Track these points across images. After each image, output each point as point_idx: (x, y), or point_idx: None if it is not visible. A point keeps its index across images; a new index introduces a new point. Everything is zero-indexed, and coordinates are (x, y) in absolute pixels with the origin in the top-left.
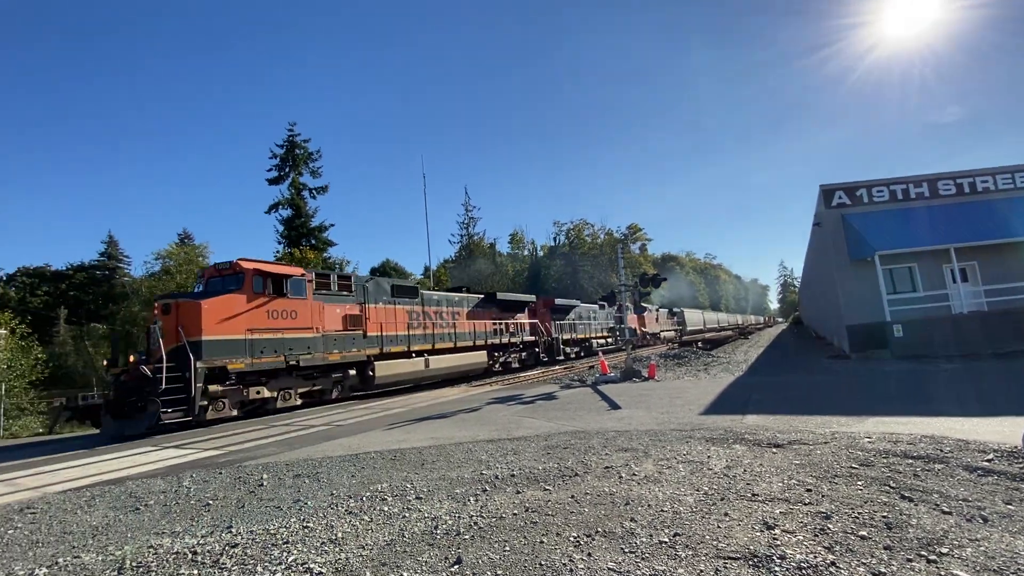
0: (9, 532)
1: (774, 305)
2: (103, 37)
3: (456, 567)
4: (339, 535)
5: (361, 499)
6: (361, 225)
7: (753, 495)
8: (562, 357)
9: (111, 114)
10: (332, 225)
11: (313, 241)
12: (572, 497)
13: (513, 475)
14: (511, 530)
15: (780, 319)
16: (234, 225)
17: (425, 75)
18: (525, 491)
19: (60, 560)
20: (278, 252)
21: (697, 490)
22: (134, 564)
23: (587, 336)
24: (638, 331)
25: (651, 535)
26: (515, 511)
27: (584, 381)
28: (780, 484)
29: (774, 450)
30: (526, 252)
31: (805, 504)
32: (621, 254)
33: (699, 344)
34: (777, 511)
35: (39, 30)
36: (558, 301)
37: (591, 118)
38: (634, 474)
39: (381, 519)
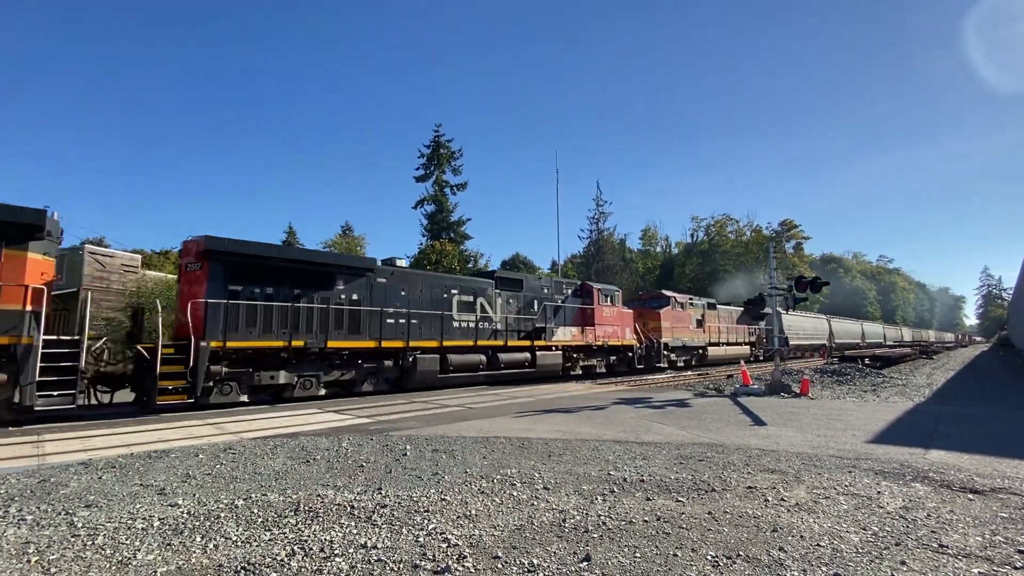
0: (217, 467)
1: (971, 321)
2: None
3: (585, 564)
4: (472, 512)
5: (492, 481)
6: (495, 220)
7: (940, 546)
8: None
9: (289, 119)
10: (469, 220)
11: (452, 235)
12: (709, 513)
13: (642, 480)
14: (641, 536)
15: (979, 338)
16: (385, 219)
17: (570, 67)
18: (656, 498)
19: (252, 496)
20: (421, 244)
21: (864, 529)
22: (305, 508)
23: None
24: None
25: (804, 570)
26: (645, 518)
27: (721, 391)
28: (979, 539)
29: (970, 496)
30: (658, 249)
31: (1017, 569)
32: (773, 252)
33: (865, 361)
34: (975, 570)
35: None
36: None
37: (740, 111)
38: (783, 499)
39: (511, 503)
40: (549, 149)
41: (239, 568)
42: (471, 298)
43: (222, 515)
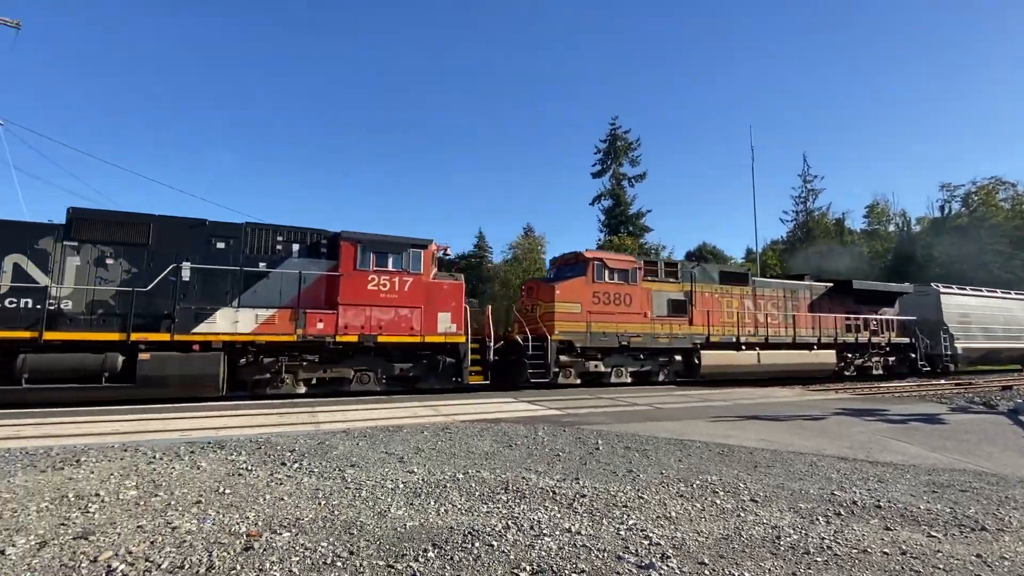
0: (439, 443)
1: None
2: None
3: None
4: (672, 513)
5: (691, 485)
6: (678, 209)
7: None
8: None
9: (470, 124)
10: (649, 211)
11: (631, 228)
12: (978, 556)
13: (879, 506)
14: (881, 570)
15: None
16: (564, 217)
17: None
18: (899, 529)
19: (469, 471)
20: (599, 240)
21: None
22: (513, 488)
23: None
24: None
25: None
26: (885, 549)
27: (993, 406)
28: None
29: None
30: (891, 228)
31: None
32: None
33: None
34: None
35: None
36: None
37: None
38: None
39: (713, 511)
40: (740, 126)
41: (467, 532)
42: None
43: (447, 485)
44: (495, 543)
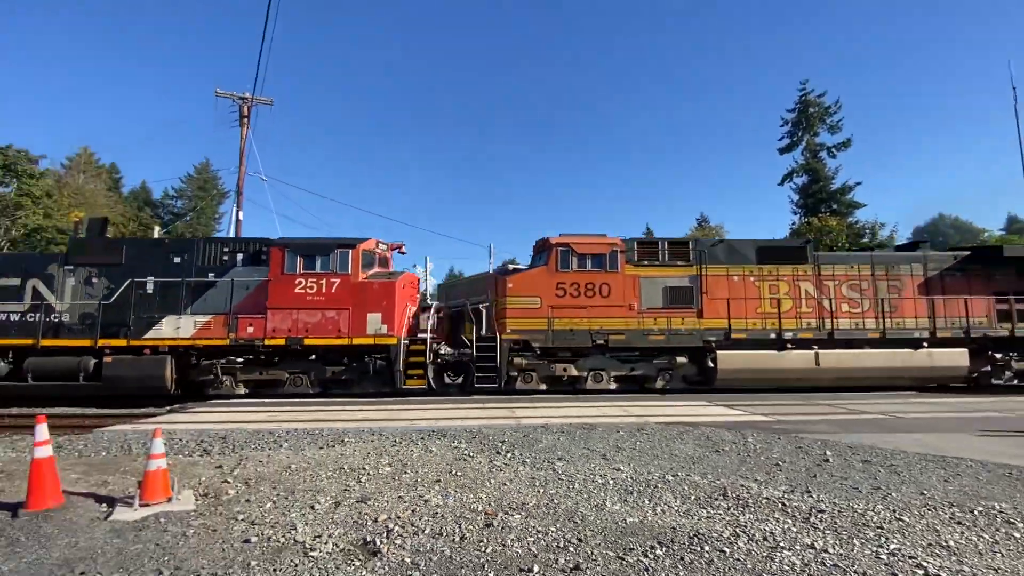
0: (637, 443)
1: None
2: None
3: None
4: (950, 543)
5: (971, 512)
6: (897, 176)
7: None
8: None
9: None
10: (858, 184)
11: (835, 206)
12: None
13: None
14: None
15: None
16: (744, 203)
17: None
18: None
19: (678, 474)
20: (793, 223)
21: None
22: (733, 495)
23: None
24: None
25: None
26: None
27: None
28: None
29: None
30: None
31: None
32: None
33: None
34: None
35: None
36: None
37: None
38: None
39: (1010, 544)
40: (992, 63)
41: (691, 535)
42: (16, 281)
43: (658, 485)
44: (726, 550)
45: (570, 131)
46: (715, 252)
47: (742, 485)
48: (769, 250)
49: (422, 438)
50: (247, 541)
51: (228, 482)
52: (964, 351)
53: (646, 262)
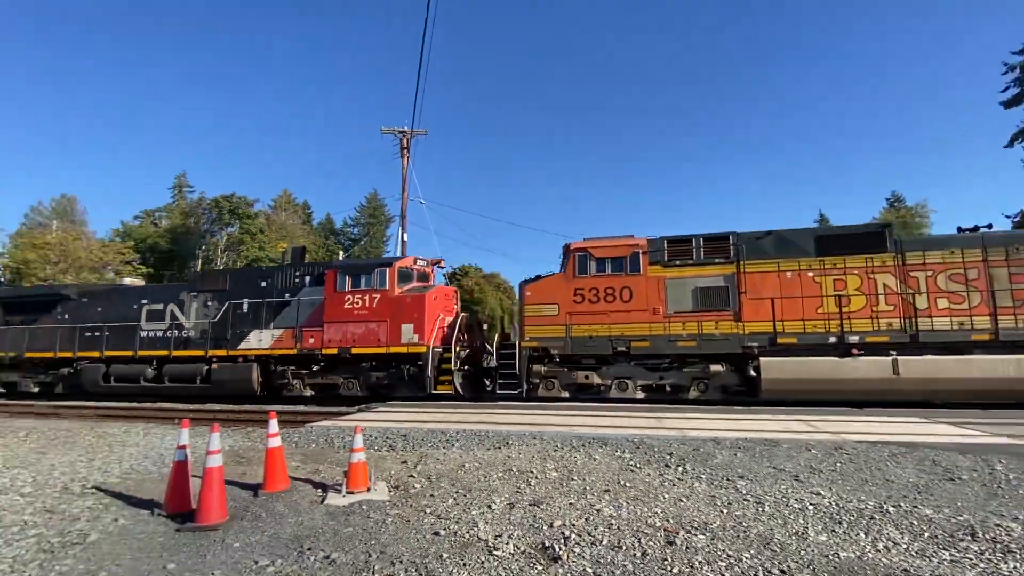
0: (837, 464)
1: None
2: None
3: None
4: None
5: None
6: None
7: None
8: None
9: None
10: None
11: None
12: None
13: None
14: None
15: None
16: (955, 175)
17: None
18: None
19: (900, 504)
20: None
21: None
22: (986, 536)
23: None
24: None
25: None
26: None
27: None
28: None
29: None
30: None
31: None
32: None
33: None
34: None
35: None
36: None
37: None
38: None
39: None
40: None
41: None
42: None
43: (875, 516)
44: None
45: (734, 121)
46: (761, 246)
47: (997, 524)
48: (834, 239)
49: (583, 445)
50: (436, 534)
51: (413, 476)
52: None
53: (678, 262)
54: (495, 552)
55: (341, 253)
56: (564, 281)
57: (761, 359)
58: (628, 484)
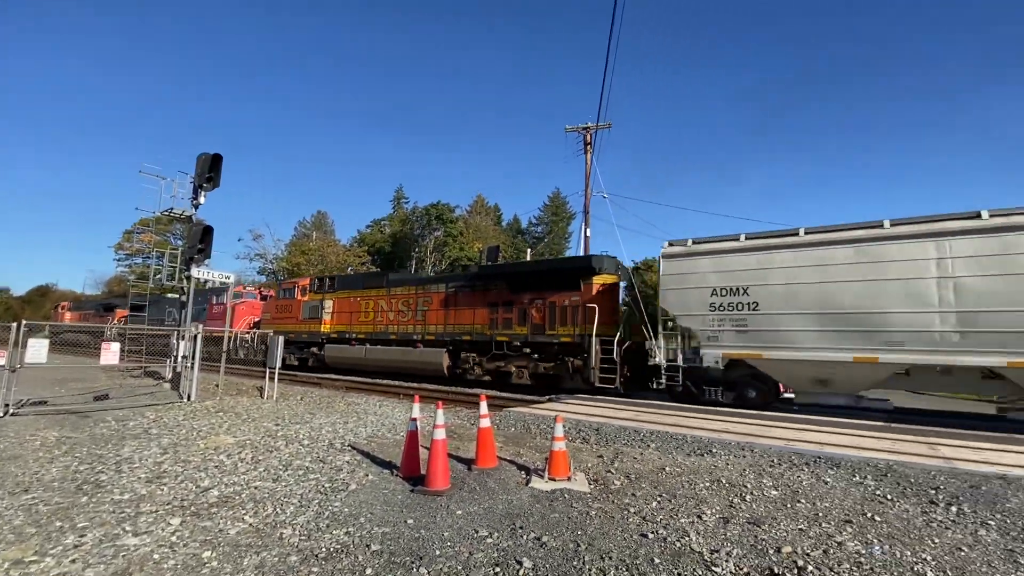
0: None
1: None
2: None
3: None
4: None
5: None
6: None
7: None
8: None
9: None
10: None
11: None
12: None
13: None
14: None
15: None
16: None
17: None
18: None
19: None
20: None
21: None
22: None
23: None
24: None
25: None
26: None
27: None
28: None
29: None
30: None
31: None
32: None
33: None
34: None
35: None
36: None
37: None
38: None
39: None
40: None
41: None
42: None
43: None
44: None
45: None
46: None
47: None
48: (363, 277)
49: (806, 463)
50: (644, 536)
51: (611, 472)
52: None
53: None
54: (713, 568)
55: (530, 251)
56: None
57: (326, 345)
58: (878, 518)
